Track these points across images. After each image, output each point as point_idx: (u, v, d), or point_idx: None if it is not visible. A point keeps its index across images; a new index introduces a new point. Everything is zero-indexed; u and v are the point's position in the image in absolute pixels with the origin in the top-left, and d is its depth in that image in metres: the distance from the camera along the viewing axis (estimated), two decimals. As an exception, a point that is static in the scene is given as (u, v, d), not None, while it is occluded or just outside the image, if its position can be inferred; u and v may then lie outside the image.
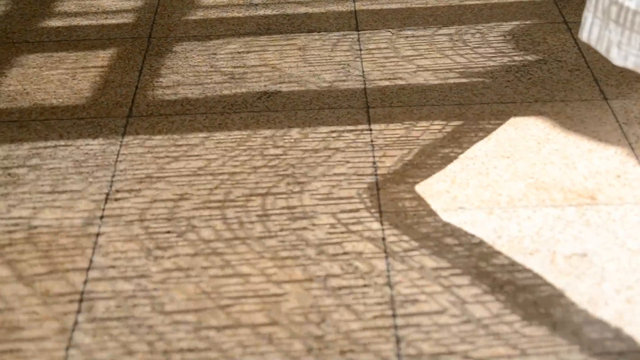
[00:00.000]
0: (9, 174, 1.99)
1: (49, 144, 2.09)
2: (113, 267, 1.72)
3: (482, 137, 2.06)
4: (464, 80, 2.29)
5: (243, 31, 2.56)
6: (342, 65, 2.37)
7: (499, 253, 1.72)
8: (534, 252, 1.72)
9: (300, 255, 1.73)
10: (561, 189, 1.89)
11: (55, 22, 2.64)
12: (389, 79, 2.31)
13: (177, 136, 2.10)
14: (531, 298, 1.62)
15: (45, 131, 2.13)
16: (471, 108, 2.17)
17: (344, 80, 2.30)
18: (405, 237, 1.76)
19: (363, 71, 2.34)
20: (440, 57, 2.40)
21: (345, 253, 1.73)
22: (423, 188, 1.90)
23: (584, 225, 1.79)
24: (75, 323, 1.59)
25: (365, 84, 2.28)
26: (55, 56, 2.46)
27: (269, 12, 2.67)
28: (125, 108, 2.22)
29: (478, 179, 1.93)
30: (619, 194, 1.87)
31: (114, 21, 2.64)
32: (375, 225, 1.80)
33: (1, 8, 2.74)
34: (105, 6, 2.73)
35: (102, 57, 2.45)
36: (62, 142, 2.09)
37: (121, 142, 2.08)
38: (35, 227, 1.83)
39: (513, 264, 1.70)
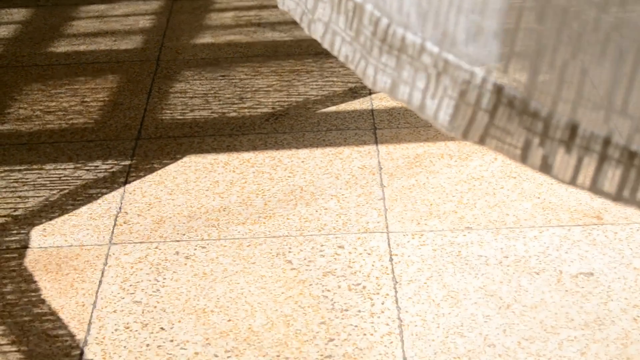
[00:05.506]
0: (19, 197, 2.00)
1: (58, 166, 2.10)
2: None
3: (488, 158, 2.07)
4: (470, 101, 2.30)
5: (251, 54, 2.58)
6: (349, 87, 2.38)
7: (505, 273, 1.73)
8: (540, 272, 1.73)
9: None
10: (567, 208, 1.90)
11: (64, 46, 2.66)
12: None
13: (185, 158, 2.11)
14: (538, 317, 1.62)
15: (55, 154, 2.15)
16: (477, 129, 2.18)
17: (351, 102, 2.31)
18: (414, 258, 1.77)
19: (370, 92, 2.35)
20: (446, 79, 2.41)
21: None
22: (431, 208, 1.91)
23: (590, 245, 1.79)
24: None
25: (372, 105, 2.30)
26: (65, 79, 2.47)
27: (276, 35, 2.69)
28: (134, 130, 2.23)
29: (485, 199, 1.94)
30: (625, 214, 1.88)
31: (122, 45, 2.66)
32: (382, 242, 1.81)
33: (11, 32, 2.77)
34: (114, 30, 2.75)
35: (110, 80, 2.46)
36: (71, 165, 2.10)
37: (130, 164, 2.10)
38: (45, 248, 1.84)
39: (520, 283, 1.70)
